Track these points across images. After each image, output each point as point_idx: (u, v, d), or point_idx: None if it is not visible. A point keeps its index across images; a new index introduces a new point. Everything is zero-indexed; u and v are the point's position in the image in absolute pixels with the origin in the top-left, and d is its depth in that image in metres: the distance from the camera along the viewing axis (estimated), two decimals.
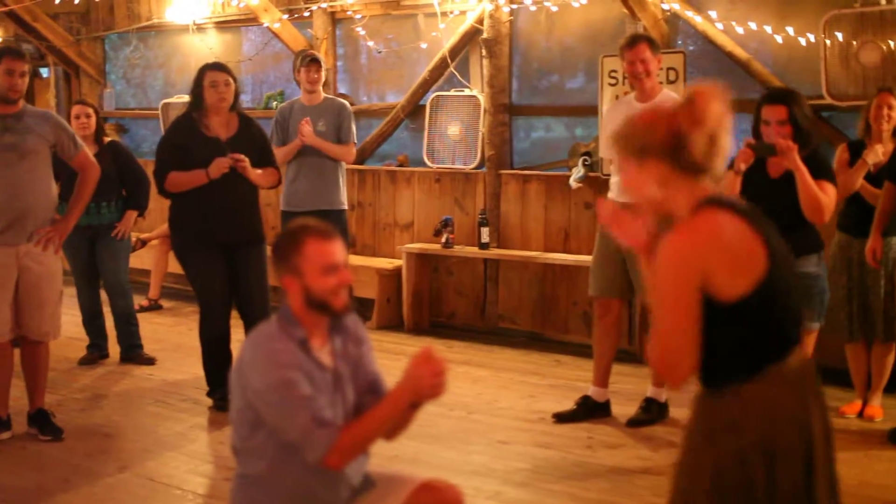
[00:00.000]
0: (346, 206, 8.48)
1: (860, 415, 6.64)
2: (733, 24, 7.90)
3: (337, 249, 3.50)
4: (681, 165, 2.97)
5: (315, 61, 8.27)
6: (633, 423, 6.60)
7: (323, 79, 8.42)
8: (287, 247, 3.50)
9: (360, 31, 9.89)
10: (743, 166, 5.48)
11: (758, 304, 2.90)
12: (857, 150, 6.48)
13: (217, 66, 6.92)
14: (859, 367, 6.76)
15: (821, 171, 5.40)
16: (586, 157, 8.54)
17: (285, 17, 10.34)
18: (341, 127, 8.30)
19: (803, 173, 5.29)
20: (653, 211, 3.10)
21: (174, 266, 9.20)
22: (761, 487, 2.95)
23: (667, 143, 2.96)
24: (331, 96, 8.60)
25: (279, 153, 8.27)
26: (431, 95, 9.67)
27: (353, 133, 8.40)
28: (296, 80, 9.53)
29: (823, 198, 5.31)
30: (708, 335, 2.92)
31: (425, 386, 3.33)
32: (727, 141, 2.98)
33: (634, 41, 6.31)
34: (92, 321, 8.40)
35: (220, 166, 6.66)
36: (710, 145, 2.94)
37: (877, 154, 6.37)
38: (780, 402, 2.97)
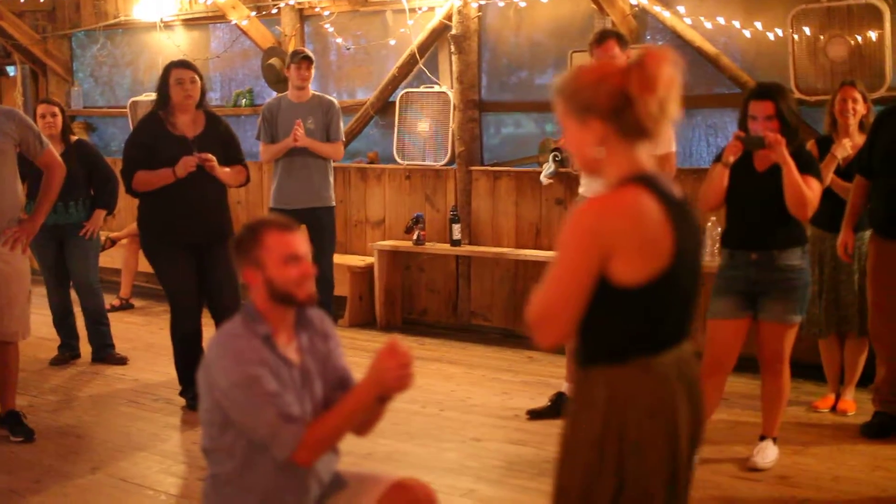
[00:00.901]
0: (334, 203, 8.49)
1: (833, 409, 6.68)
2: (702, 19, 7.93)
3: (298, 240, 3.49)
4: (623, 128, 2.85)
5: (306, 59, 8.29)
6: (535, 414, 6.69)
7: (312, 76, 8.41)
8: (247, 240, 3.49)
9: (329, 27, 9.89)
10: (732, 159, 5.50)
11: (644, 298, 2.84)
12: (825, 145, 6.51)
13: (183, 64, 6.89)
14: (832, 362, 6.80)
15: (807, 166, 5.43)
16: (557, 153, 8.54)
17: (253, 14, 10.32)
18: (330, 125, 8.32)
19: (790, 167, 5.32)
20: (589, 171, 2.98)
21: (144, 265, 9.15)
22: (610, 474, 2.90)
23: (612, 104, 2.84)
24: (319, 93, 8.59)
25: (267, 151, 8.31)
26: (401, 92, 9.66)
27: (342, 131, 8.45)
28: (270, 77, 9.52)
29: (808, 193, 5.34)
30: (588, 311, 2.86)
31: (391, 378, 3.32)
32: (675, 108, 2.87)
33: (603, 37, 6.31)
34: (62, 321, 8.35)
35: (186, 165, 6.63)
36: (660, 111, 2.84)
37: (845, 149, 6.41)
38: (640, 394, 2.90)
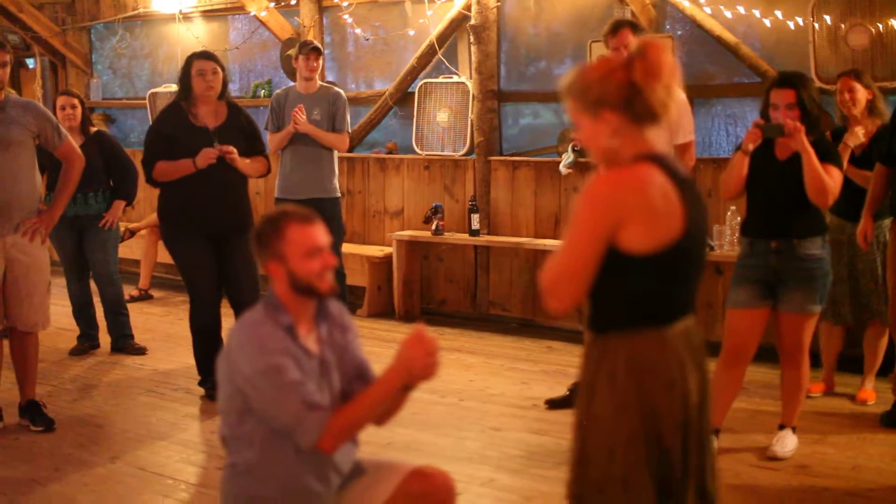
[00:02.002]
0: (339, 194, 8.48)
1: (825, 393, 6.69)
2: (721, 8, 7.90)
3: (319, 233, 3.50)
4: (635, 115, 3.00)
5: (315, 50, 8.26)
6: (554, 404, 6.68)
7: (320, 67, 8.41)
8: (268, 233, 3.49)
9: (348, 18, 9.88)
10: (751, 147, 5.49)
11: (657, 267, 2.98)
12: (838, 136, 6.49)
13: (204, 55, 6.89)
14: (832, 349, 6.80)
15: (827, 155, 5.41)
16: (575, 143, 8.53)
17: (272, 5, 10.32)
18: (336, 115, 8.29)
19: (810, 155, 5.29)
20: (605, 161, 3.10)
21: (164, 256, 9.19)
22: (639, 438, 3.03)
23: (623, 95, 2.99)
24: (326, 84, 8.58)
25: (273, 140, 8.28)
26: (420, 83, 9.66)
27: (347, 122, 8.40)
28: (289, 68, 9.52)
29: (828, 181, 5.32)
30: (602, 280, 2.99)
31: (418, 367, 3.32)
32: (679, 91, 3.06)
33: (617, 27, 6.28)
34: (82, 312, 8.38)
35: (206, 157, 6.64)
36: (667, 95, 2.99)
37: (857, 137, 6.39)
38: (658, 366, 3.04)
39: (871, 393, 6.66)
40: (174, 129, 6.78)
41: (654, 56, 2.95)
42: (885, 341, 6.67)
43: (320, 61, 8.34)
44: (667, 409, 3.03)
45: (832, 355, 6.86)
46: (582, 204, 2.97)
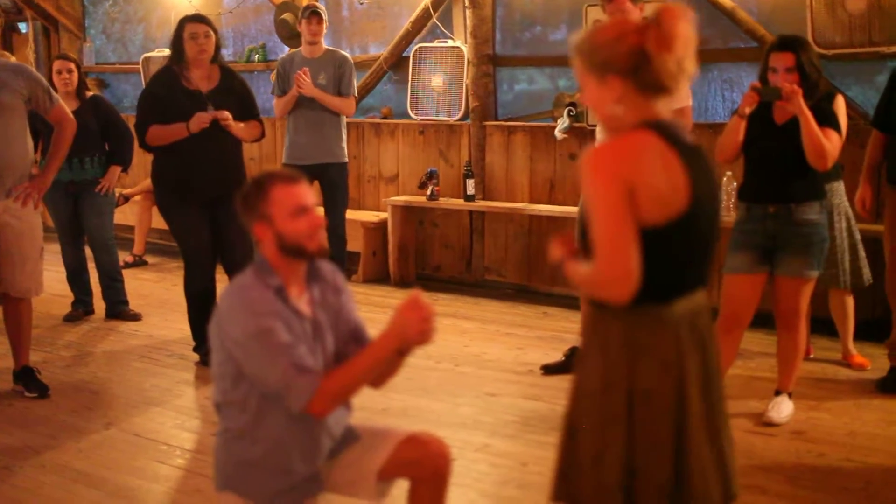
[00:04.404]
0: (346, 160, 8.45)
1: (805, 359, 6.65)
2: None
3: (304, 192, 3.46)
4: (641, 85, 2.89)
5: (315, 13, 8.24)
6: (549, 369, 6.70)
7: (324, 31, 8.36)
8: (253, 195, 3.46)
9: None
10: (748, 110, 5.46)
11: (663, 240, 2.87)
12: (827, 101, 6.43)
13: (197, 18, 6.84)
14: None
15: (825, 118, 5.36)
16: (571, 108, 8.50)
17: None
18: (342, 79, 8.26)
19: (808, 118, 5.26)
20: (609, 127, 3.02)
21: (158, 221, 9.16)
22: (622, 419, 2.96)
23: (631, 62, 2.87)
24: (332, 49, 8.53)
25: (279, 104, 8.27)
26: (414, 47, 9.61)
27: (353, 86, 8.37)
28: (283, 33, 9.46)
29: (827, 144, 5.28)
30: None
31: (413, 332, 3.29)
32: (692, 64, 2.90)
33: None
34: (76, 278, 8.36)
35: (200, 121, 6.60)
36: (678, 69, 2.87)
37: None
38: (654, 346, 2.95)
39: (860, 357, 6.64)
40: (167, 92, 6.73)
41: (668, 25, 2.82)
42: (850, 303, 6.65)
43: (322, 25, 8.30)
44: (658, 392, 2.94)
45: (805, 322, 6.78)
46: (593, 181, 2.84)
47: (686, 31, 2.85)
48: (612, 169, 2.83)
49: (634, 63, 2.86)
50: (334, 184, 8.30)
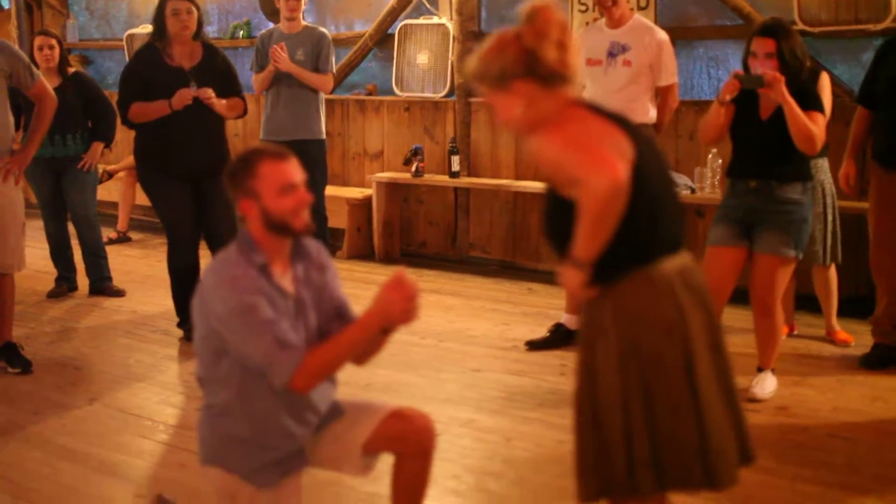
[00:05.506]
0: (324, 136, 8.42)
1: (788, 335, 6.67)
2: None
3: (292, 169, 3.43)
4: (542, 78, 3.04)
5: None
6: (534, 345, 6.70)
7: (303, 7, 8.31)
8: (241, 170, 3.43)
9: None
10: (728, 97, 5.43)
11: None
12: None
13: None
14: (788, 291, 6.74)
15: (808, 101, 5.34)
16: None
17: None
18: (320, 56, 8.22)
19: (791, 105, 5.24)
20: (529, 130, 3.10)
21: (142, 198, 9.13)
22: (638, 391, 3.02)
23: (521, 62, 3.03)
24: (311, 25, 8.48)
25: (257, 80, 8.22)
26: (400, 24, 9.57)
27: (331, 63, 8.31)
28: (267, 9, 9.44)
29: (813, 128, 5.26)
30: (571, 232, 2.97)
31: (396, 311, 3.29)
32: (573, 43, 3.08)
33: None
34: (60, 254, 8.34)
35: (182, 98, 6.58)
36: (561, 51, 3.02)
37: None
38: (649, 311, 3.03)
39: (844, 334, 6.66)
40: (149, 69, 6.71)
41: (540, 18, 3.01)
42: (834, 280, 6.65)
43: (301, 1, 8.25)
44: (670, 355, 3.01)
45: (789, 298, 6.78)
46: (544, 151, 3.01)
47: (555, 17, 3.05)
48: (562, 135, 2.97)
49: (526, 63, 3.03)
50: (312, 161, 8.24)
